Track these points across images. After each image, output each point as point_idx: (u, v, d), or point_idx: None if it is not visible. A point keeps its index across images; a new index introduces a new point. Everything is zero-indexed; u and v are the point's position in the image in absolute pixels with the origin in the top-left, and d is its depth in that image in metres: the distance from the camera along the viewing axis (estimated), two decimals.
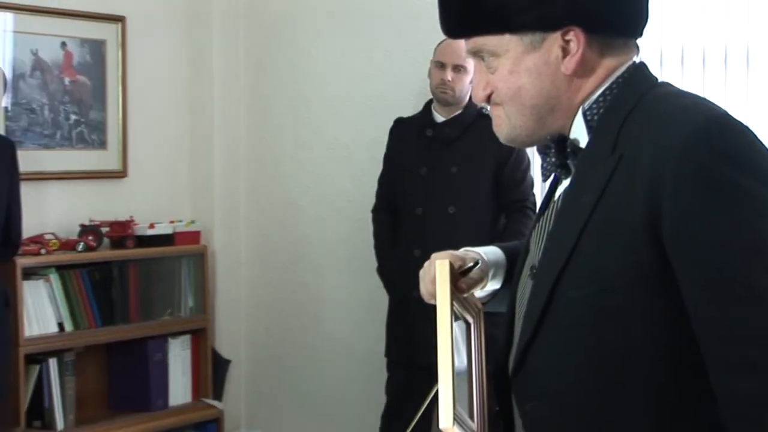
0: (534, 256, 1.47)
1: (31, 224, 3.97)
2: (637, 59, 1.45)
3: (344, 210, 4.48)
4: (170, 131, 4.68)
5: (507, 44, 1.40)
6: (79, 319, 4.09)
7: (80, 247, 4.11)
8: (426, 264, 1.59)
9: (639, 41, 1.46)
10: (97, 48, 4.39)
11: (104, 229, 4.25)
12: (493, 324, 1.64)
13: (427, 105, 3.95)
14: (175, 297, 4.47)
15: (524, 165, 3.83)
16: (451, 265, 1.51)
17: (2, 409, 3.75)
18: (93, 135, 4.40)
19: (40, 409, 3.98)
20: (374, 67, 4.42)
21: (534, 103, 1.41)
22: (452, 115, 3.86)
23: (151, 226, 4.38)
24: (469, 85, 3.67)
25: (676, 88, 1.43)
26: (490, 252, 1.65)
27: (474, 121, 3.79)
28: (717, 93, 3.59)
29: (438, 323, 1.42)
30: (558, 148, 1.44)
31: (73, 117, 4.33)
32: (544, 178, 1.50)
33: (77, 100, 4.34)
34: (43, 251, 3.99)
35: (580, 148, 1.41)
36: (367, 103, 4.43)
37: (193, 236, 4.53)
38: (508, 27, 1.40)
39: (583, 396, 1.35)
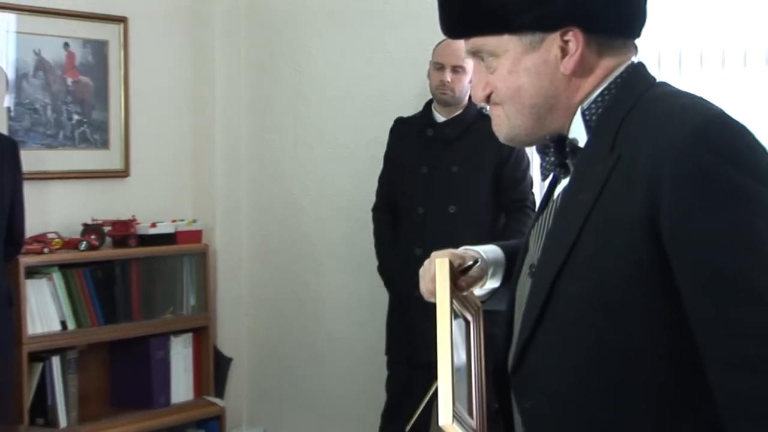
0: (533, 254, 1.47)
1: (34, 223, 3.97)
2: (635, 59, 1.45)
3: (344, 209, 4.48)
4: (172, 131, 4.69)
5: (506, 44, 1.41)
6: (81, 317, 4.10)
7: (83, 246, 4.12)
8: (426, 262, 1.59)
9: (637, 42, 1.46)
10: (99, 48, 4.40)
11: (106, 229, 4.26)
12: (493, 322, 1.64)
13: (428, 105, 3.95)
14: (177, 295, 4.48)
15: (524, 165, 3.84)
16: (451, 264, 1.52)
17: (6, 407, 3.76)
18: (95, 135, 4.41)
19: (43, 406, 3.99)
20: (374, 67, 4.42)
21: (533, 102, 1.41)
22: (453, 115, 3.87)
23: (153, 225, 4.39)
24: (469, 85, 3.67)
25: (675, 88, 1.43)
26: (490, 250, 1.65)
27: (474, 121, 3.80)
28: (714, 93, 3.59)
29: (438, 321, 1.42)
30: (557, 148, 1.44)
31: (75, 117, 4.34)
32: (543, 178, 1.51)
33: (80, 101, 4.35)
34: (46, 250, 4.00)
35: (579, 148, 1.42)
36: (368, 103, 4.44)
37: (195, 235, 4.54)
38: (507, 27, 1.40)
39: (583, 394, 1.35)
